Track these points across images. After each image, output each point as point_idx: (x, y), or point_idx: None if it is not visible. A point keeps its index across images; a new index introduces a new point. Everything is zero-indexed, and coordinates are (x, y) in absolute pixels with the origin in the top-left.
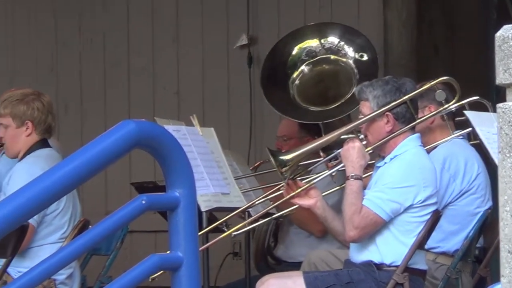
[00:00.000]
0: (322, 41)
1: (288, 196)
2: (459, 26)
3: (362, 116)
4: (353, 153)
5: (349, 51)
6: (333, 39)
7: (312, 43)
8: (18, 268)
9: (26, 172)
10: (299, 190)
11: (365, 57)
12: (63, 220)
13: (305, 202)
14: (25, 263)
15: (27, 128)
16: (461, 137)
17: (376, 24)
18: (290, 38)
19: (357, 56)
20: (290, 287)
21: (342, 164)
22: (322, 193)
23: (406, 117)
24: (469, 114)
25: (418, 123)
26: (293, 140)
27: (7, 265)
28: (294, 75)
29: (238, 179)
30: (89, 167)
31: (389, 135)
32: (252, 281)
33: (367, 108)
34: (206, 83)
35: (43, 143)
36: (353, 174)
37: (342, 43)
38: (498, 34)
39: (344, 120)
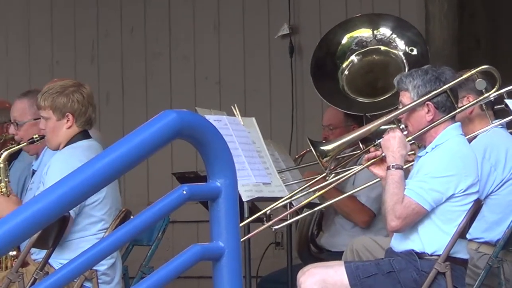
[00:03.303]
0: (375, 32)
1: (368, 163)
2: (500, 18)
3: (402, 106)
4: (393, 143)
5: (400, 44)
6: (385, 31)
7: (364, 33)
8: (60, 260)
9: (62, 162)
10: (369, 162)
11: (415, 51)
12: (103, 212)
13: (379, 172)
14: (66, 255)
15: (67, 121)
16: (500, 126)
17: (418, 15)
18: (340, 28)
19: (407, 49)
20: (332, 276)
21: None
22: (364, 184)
23: (446, 106)
24: (510, 102)
25: (457, 112)
26: (339, 129)
27: (48, 256)
28: (344, 65)
29: (280, 170)
30: (130, 157)
31: (430, 125)
32: (294, 271)
33: (407, 98)
34: (248, 73)
35: (83, 135)
36: (394, 164)
37: (394, 35)
38: None
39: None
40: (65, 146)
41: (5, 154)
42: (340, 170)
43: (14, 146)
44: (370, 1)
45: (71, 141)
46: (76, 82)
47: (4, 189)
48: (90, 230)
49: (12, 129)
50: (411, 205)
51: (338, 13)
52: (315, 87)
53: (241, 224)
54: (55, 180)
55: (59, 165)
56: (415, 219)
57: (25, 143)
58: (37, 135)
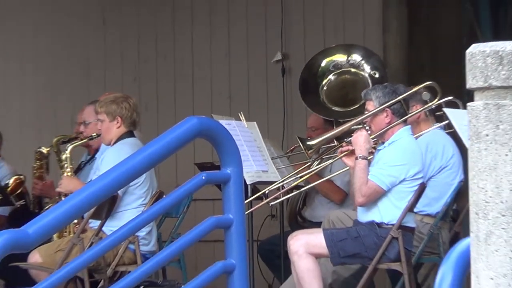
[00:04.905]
0: (349, 57)
1: (342, 155)
2: (440, 49)
3: (367, 112)
4: (360, 140)
5: (367, 67)
6: (356, 57)
7: (339, 58)
8: (110, 227)
9: (114, 154)
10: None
11: (377, 75)
12: (142, 191)
13: (349, 162)
14: (114, 223)
15: (117, 122)
16: (439, 128)
17: (377, 46)
18: (320, 55)
19: (371, 72)
20: (313, 240)
21: (352, 148)
22: (338, 171)
23: (400, 112)
24: (447, 110)
25: (408, 117)
26: (319, 130)
27: (102, 225)
28: (323, 82)
29: (274, 159)
30: (163, 151)
31: (388, 126)
32: (285, 236)
33: (371, 106)
34: (251, 89)
35: (129, 134)
36: (361, 155)
37: (363, 61)
38: (468, 51)
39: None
40: (115, 142)
41: (70, 147)
42: (320, 160)
43: (77, 142)
44: (342, 34)
45: (120, 138)
46: (125, 94)
47: (69, 173)
48: (132, 205)
49: (82, 128)
50: (373, 186)
51: (318, 43)
52: (302, 99)
53: (246, 201)
54: (108, 168)
55: (111, 156)
56: (375, 197)
57: (85, 139)
58: (95, 134)
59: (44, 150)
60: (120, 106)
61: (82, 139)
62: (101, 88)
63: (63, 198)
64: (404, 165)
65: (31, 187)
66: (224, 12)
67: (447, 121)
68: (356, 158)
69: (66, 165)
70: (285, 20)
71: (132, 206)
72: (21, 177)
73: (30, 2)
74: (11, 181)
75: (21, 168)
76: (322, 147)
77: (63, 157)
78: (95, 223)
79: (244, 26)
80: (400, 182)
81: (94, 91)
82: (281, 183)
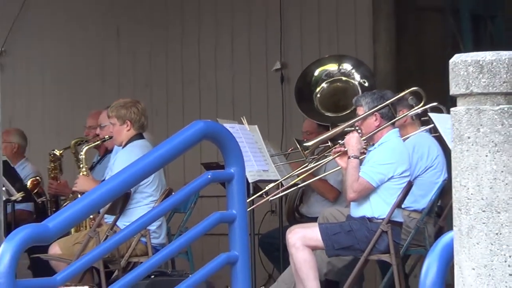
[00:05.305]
0: (340, 66)
1: (335, 156)
2: (426, 58)
3: (357, 117)
4: (353, 141)
5: (357, 76)
6: (347, 66)
7: (331, 67)
8: (124, 222)
9: (125, 156)
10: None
11: (367, 84)
12: (152, 189)
13: (342, 162)
14: (128, 219)
15: (127, 125)
16: (425, 131)
17: (368, 55)
18: (314, 64)
19: (361, 81)
20: (310, 233)
21: (345, 149)
22: (332, 169)
23: (388, 116)
24: (432, 115)
25: (396, 121)
26: (313, 134)
27: (116, 219)
28: (317, 90)
29: (273, 157)
30: (172, 152)
31: (377, 129)
32: (284, 230)
33: (361, 111)
34: (252, 95)
35: (139, 136)
36: (353, 155)
37: (353, 70)
38: (451, 60)
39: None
40: (126, 143)
41: (85, 149)
42: (316, 161)
43: (91, 143)
44: (336, 45)
45: (130, 140)
46: (134, 100)
47: (85, 173)
48: (143, 202)
49: (98, 130)
50: (363, 182)
51: (314, 53)
52: (298, 106)
53: (248, 200)
54: (119, 168)
55: (122, 158)
56: (366, 193)
57: (99, 141)
58: (107, 136)
59: (58, 152)
60: (129, 110)
61: (95, 141)
62: (115, 94)
63: (79, 196)
64: (392, 164)
65: (47, 187)
66: (228, 25)
67: (432, 125)
68: (349, 157)
69: (81, 165)
70: (284, 32)
71: (143, 203)
72: (37, 178)
73: (50, 17)
74: (29, 182)
75: (43, 168)
76: (318, 147)
77: (80, 157)
78: (109, 218)
79: (246, 38)
80: (389, 179)
81: (109, 97)
82: (280, 181)
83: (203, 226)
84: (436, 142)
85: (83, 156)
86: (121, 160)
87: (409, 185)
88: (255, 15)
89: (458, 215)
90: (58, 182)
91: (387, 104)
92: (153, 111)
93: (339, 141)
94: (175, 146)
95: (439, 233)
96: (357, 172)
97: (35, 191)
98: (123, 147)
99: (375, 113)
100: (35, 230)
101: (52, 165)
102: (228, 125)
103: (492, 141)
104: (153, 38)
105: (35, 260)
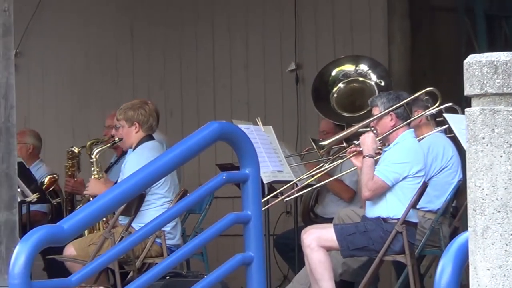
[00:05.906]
0: (357, 67)
1: (350, 155)
2: (440, 58)
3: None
4: (368, 140)
5: (373, 76)
6: (364, 67)
7: (348, 68)
8: (139, 223)
9: (135, 159)
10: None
11: (383, 83)
12: (164, 190)
13: (357, 162)
14: (140, 220)
15: (135, 127)
16: (440, 131)
17: (383, 56)
18: (330, 65)
19: (377, 81)
20: (325, 234)
21: (361, 148)
22: (347, 170)
23: (404, 116)
24: (447, 116)
25: (411, 121)
26: (330, 134)
27: (131, 221)
28: (334, 90)
29: (287, 158)
30: (187, 153)
31: (392, 129)
32: (299, 231)
33: (377, 111)
34: (267, 96)
35: (148, 138)
36: (368, 154)
37: (369, 71)
38: (465, 61)
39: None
40: (136, 145)
41: (96, 151)
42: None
43: (103, 146)
44: (350, 45)
45: (140, 142)
46: (142, 100)
47: (97, 176)
48: (156, 203)
49: (113, 131)
50: (378, 181)
51: (329, 54)
52: (314, 106)
53: (263, 200)
54: (131, 171)
55: (133, 160)
56: (381, 191)
57: (109, 144)
58: (117, 138)
59: (76, 149)
60: (136, 112)
61: (106, 144)
62: (130, 95)
63: (91, 199)
64: (407, 163)
65: (63, 185)
66: (243, 26)
67: (447, 126)
68: (364, 157)
69: (93, 168)
70: (298, 33)
71: (156, 205)
72: (55, 175)
73: (64, 19)
74: (46, 179)
75: (57, 168)
76: (333, 147)
77: (91, 160)
78: (124, 220)
79: (261, 39)
80: (403, 178)
81: (123, 98)
82: (295, 182)
83: (218, 227)
84: (451, 142)
85: (94, 159)
86: (131, 162)
87: (424, 186)
88: (269, 16)
89: (473, 216)
90: (75, 179)
91: (403, 104)
92: (167, 112)
93: (354, 141)
94: (190, 147)
95: (454, 233)
96: (372, 171)
97: (52, 188)
98: (133, 149)
99: (391, 113)
100: (50, 231)
101: (70, 162)
102: (242, 126)
103: (507, 142)
104: (167, 39)
105: (50, 262)
